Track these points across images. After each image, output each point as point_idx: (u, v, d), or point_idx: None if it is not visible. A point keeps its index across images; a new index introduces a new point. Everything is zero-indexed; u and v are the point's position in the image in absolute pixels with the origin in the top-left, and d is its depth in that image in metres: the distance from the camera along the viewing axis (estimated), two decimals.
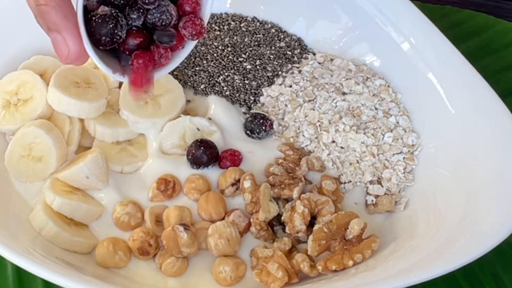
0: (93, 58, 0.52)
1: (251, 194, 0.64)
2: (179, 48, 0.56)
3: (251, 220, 0.63)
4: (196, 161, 0.67)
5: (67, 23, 0.51)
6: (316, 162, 0.68)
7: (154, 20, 0.53)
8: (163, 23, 0.54)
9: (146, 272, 0.62)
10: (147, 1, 0.53)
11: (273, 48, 0.78)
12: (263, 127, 0.70)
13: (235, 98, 0.74)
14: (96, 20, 0.51)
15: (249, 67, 0.76)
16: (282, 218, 0.64)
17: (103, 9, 0.52)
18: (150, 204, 0.65)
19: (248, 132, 0.70)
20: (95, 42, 0.52)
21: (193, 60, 0.76)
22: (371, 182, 0.68)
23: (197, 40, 0.56)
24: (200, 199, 0.65)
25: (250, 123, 0.70)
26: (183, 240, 0.60)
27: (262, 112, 0.72)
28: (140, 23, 0.53)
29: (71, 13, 0.51)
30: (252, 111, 0.73)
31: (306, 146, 0.70)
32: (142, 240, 0.61)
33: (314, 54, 0.78)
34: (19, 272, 0.63)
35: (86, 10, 0.52)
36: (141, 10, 0.53)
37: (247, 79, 0.75)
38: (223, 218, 0.64)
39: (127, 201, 0.64)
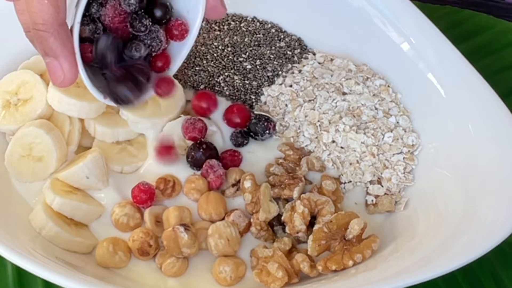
0: (87, 85, 0.55)
1: (251, 194, 0.64)
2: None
3: (251, 220, 0.63)
4: (196, 163, 0.67)
5: (64, 50, 0.52)
6: (317, 162, 0.68)
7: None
8: (153, 50, 0.58)
9: (146, 272, 0.62)
10: (138, 29, 0.56)
11: (273, 48, 0.78)
12: (267, 130, 0.70)
13: (235, 98, 0.74)
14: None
15: (249, 67, 0.76)
16: (282, 218, 0.64)
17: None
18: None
19: (251, 134, 0.70)
20: (85, 62, 0.55)
21: (193, 60, 0.76)
22: (371, 182, 0.68)
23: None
24: (200, 199, 0.65)
25: (254, 126, 0.70)
26: (184, 240, 0.60)
27: (265, 114, 0.71)
28: None
29: (68, 39, 0.52)
30: (255, 111, 0.72)
31: (306, 146, 0.70)
32: (142, 241, 0.61)
33: (314, 54, 0.78)
34: (19, 272, 0.63)
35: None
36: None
37: (247, 79, 0.75)
38: (223, 218, 0.64)
39: (125, 202, 0.64)
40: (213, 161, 0.65)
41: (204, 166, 0.66)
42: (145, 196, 0.64)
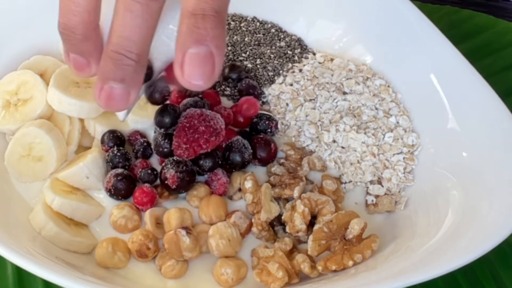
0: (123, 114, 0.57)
1: (252, 194, 0.64)
2: None
3: (253, 220, 0.63)
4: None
5: (140, 81, 0.49)
6: (318, 162, 0.68)
7: None
8: None
9: (146, 273, 0.61)
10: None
11: (273, 47, 0.78)
12: (269, 129, 0.69)
13: (236, 98, 0.74)
14: None
15: (249, 66, 0.76)
16: (283, 217, 0.64)
17: None
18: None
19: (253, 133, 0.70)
20: None
21: None
22: (371, 182, 0.68)
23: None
24: (202, 202, 0.64)
25: (255, 125, 0.70)
26: (185, 244, 0.59)
27: (267, 113, 0.71)
28: None
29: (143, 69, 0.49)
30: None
31: (308, 145, 0.70)
32: (140, 243, 0.61)
33: (314, 54, 0.78)
34: (19, 272, 0.62)
35: None
36: None
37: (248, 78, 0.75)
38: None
39: (123, 204, 0.64)
40: (217, 169, 0.65)
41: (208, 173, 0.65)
42: (146, 198, 0.64)
